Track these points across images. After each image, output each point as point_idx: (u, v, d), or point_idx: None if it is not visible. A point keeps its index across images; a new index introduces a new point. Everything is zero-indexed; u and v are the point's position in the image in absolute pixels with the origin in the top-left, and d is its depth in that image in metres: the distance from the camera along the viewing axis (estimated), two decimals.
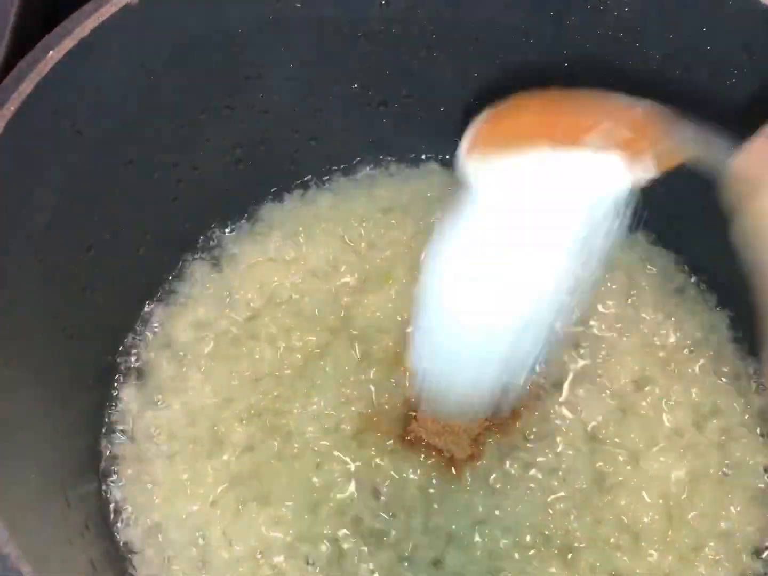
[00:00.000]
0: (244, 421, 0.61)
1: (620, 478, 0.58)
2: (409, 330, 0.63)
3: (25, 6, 0.73)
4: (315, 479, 0.59)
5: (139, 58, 0.55)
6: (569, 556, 0.55)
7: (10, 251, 0.49)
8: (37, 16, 0.77)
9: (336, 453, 0.60)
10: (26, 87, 0.49)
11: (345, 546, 0.57)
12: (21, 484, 0.44)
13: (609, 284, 0.64)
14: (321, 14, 0.60)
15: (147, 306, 0.64)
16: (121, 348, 0.62)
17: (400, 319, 0.64)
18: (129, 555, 0.56)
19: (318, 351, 0.63)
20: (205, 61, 0.58)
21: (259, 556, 0.56)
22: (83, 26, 0.52)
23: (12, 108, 0.48)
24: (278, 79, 0.63)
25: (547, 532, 0.56)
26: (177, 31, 0.56)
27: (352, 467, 0.59)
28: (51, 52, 0.50)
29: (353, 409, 0.61)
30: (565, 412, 0.59)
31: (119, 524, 0.57)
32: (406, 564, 0.56)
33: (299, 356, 0.63)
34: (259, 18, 0.58)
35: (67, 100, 0.51)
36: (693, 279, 0.66)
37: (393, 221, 0.69)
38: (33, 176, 0.51)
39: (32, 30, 0.75)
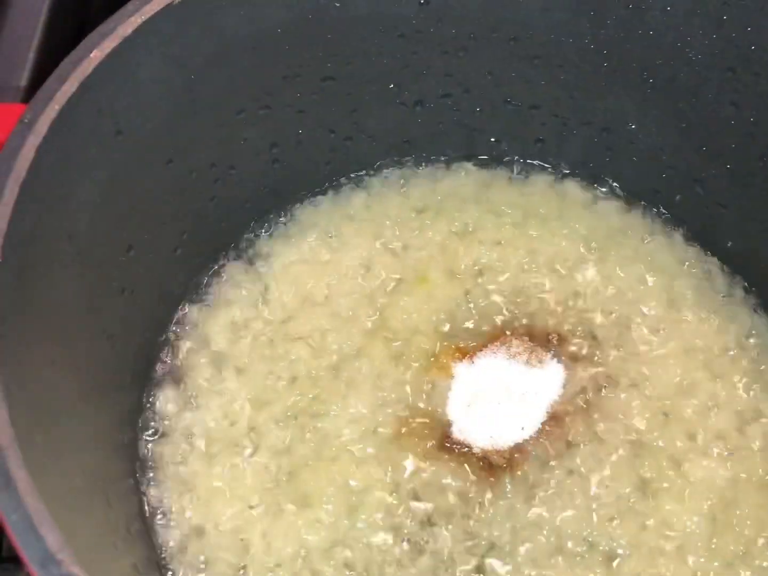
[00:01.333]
0: (281, 423, 0.60)
1: (664, 484, 0.57)
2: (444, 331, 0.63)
3: (52, 18, 0.74)
4: (353, 482, 0.58)
5: (179, 58, 0.55)
6: (614, 563, 0.55)
7: (52, 251, 0.49)
8: (68, 15, 0.78)
9: (374, 456, 0.59)
10: (70, 86, 0.49)
11: (384, 551, 0.56)
12: (67, 487, 0.44)
13: (650, 286, 0.64)
14: (358, 13, 0.60)
15: (184, 307, 0.64)
16: (158, 349, 0.62)
17: (435, 319, 0.64)
18: (169, 558, 0.55)
19: (354, 352, 0.63)
20: (243, 60, 0.58)
21: (298, 560, 0.56)
22: (126, 25, 0.52)
23: (56, 107, 0.48)
24: (315, 79, 0.62)
25: (590, 539, 0.55)
26: (216, 30, 0.55)
27: (391, 471, 0.58)
28: (94, 51, 0.50)
29: (390, 411, 0.60)
30: (608, 417, 0.59)
31: (159, 526, 0.56)
32: (448, 570, 0.55)
33: (335, 357, 0.63)
34: (297, 17, 0.58)
35: (109, 99, 0.51)
36: (735, 280, 0.65)
37: (427, 221, 0.68)
38: (75, 176, 0.51)
39: (64, 30, 0.76)
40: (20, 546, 0.36)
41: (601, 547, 0.55)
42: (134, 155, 0.54)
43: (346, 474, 0.58)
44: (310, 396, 0.61)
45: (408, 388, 0.62)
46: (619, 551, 0.55)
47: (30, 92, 0.73)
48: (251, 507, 0.57)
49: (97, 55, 0.50)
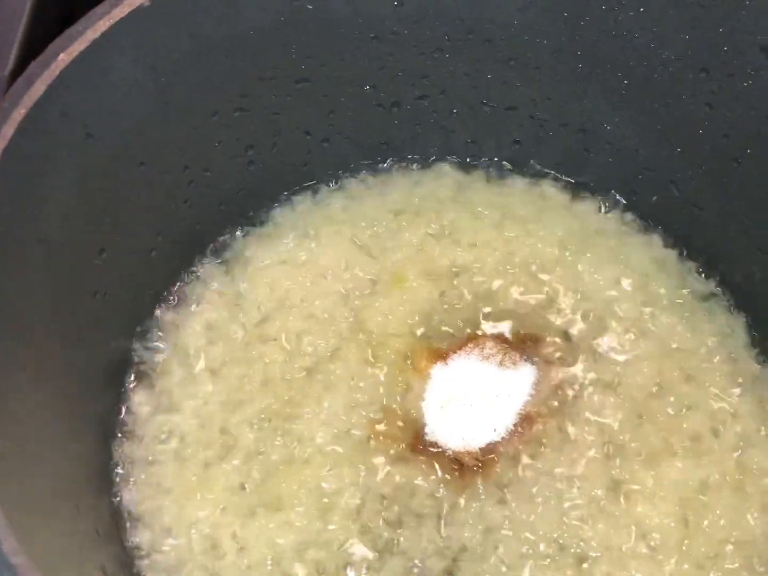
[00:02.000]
0: (254, 426, 0.60)
1: (636, 486, 0.57)
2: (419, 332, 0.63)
3: (38, 6, 0.74)
4: (325, 485, 0.58)
5: (150, 60, 0.54)
6: (584, 565, 0.55)
7: (22, 255, 0.49)
8: (51, 16, 0.78)
9: (346, 458, 0.59)
10: (37, 89, 0.49)
11: (355, 553, 0.56)
12: (31, 491, 0.44)
13: (626, 287, 0.64)
14: (333, 15, 0.60)
15: (158, 309, 0.64)
16: (131, 352, 0.62)
17: (411, 322, 0.64)
18: (139, 560, 0.55)
19: (329, 354, 0.63)
20: (217, 62, 0.58)
21: (269, 563, 0.56)
22: (95, 28, 0.51)
23: (23, 111, 0.48)
24: (290, 81, 0.62)
25: (561, 541, 0.55)
26: (189, 33, 0.55)
27: (363, 473, 0.58)
28: (62, 54, 0.50)
29: (363, 413, 0.61)
30: (581, 418, 0.59)
31: (130, 528, 0.56)
32: (418, 573, 0.55)
33: (310, 360, 0.63)
34: (271, 19, 0.58)
35: (78, 102, 0.51)
36: (710, 281, 0.65)
37: (404, 223, 0.68)
38: (45, 179, 0.50)
39: (47, 30, 0.76)
40: None
41: (572, 549, 0.55)
42: (105, 158, 0.54)
43: (318, 476, 0.58)
44: (285, 398, 0.61)
45: (382, 390, 0.62)
46: (591, 553, 0.55)
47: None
48: (223, 509, 0.58)
49: (64, 58, 0.50)
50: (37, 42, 0.71)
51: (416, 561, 0.56)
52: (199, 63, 0.57)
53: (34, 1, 0.73)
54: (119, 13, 0.52)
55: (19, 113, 0.48)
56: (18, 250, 0.49)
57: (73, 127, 0.51)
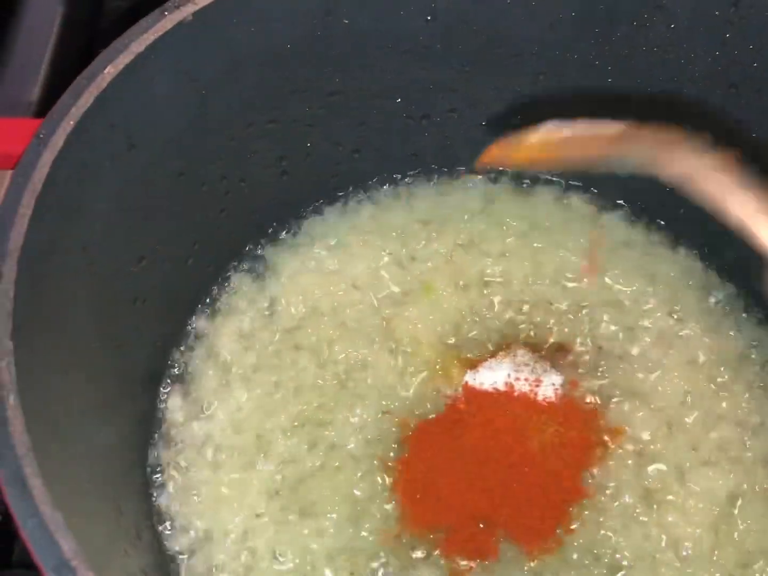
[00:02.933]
0: (287, 432, 0.61)
1: (668, 495, 0.57)
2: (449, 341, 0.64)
3: (62, 36, 0.75)
4: (357, 492, 0.59)
5: (191, 73, 0.56)
6: (618, 574, 0.55)
7: (66, 263, 0.50)
8: (79, 32, 0.80)
9: (378, 465, 0.60)
10: (85, 101, 0.50)
11: (389, 561, 0.57)
12: (80, 495, 0.45)
13: (653, 298, 0.65)
14: (366, 30, 0.61)
15: (193, 317, 0.65)
16: (167, 358, 0.63)
17: (441, 330, 0.65)
18: (176, 564, 0.56)
19: (360, 362, 0.64)
20: (253, 75, 0.59)
21: (303, 569, 0.57)
22: (139, 41, 0.53)
23: (71, 122, 0.49)
24: (323, 93, 0.63)
25: (595, 551, 0.56)
26: (227, 46, 0.57)
27: (394, 480, 0.59)
28: (108, 67, 0.51)
29: (395, 420, 0.61)
30: (611, 427, 0.60)
31: (167, 533, 0.57)
32: None
33: (341, 367, 0.64)
34: (306, 34, 0.59)
35: (122, 113, 0.52)
36: (738, 293, 0.66)
37: (433, 233, 0.69)
38: (89, 189, 0.52)
39: (75, 46, 0.77)
40: (35, 552, 0.37)
41: (605, 559, 0.56)
42: (146, 169, 0.55)
43: (350, 483, 0.59)
44: (316, 405, 0.62)
45: (413, 398, 0.62)
46: (624, 563, 0.56)
47: (41, 107, 0.74)
48: (258, 515, 0.58)
49: (111, 71, 0.51)
50: (62, 70, 0.74)
51: (444, 568, 0.56)
52: (236, 75, 0.58)
53: (58, 31, 0.75)
54: (162, 27, 0.53)
55: (69, 124, 0.49)
56: (62, 257, 0.50)
57: (118, 138, 0.53)
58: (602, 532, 0.56)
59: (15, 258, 0.45)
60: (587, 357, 0.63)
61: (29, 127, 0.50)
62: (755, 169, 0.59)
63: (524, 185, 0.71)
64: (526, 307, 0.65)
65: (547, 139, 0.53)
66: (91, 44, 0.80)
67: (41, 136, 0.49)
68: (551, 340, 0.64)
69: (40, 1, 0.78)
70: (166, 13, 0.53)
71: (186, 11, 0.53)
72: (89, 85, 0.50)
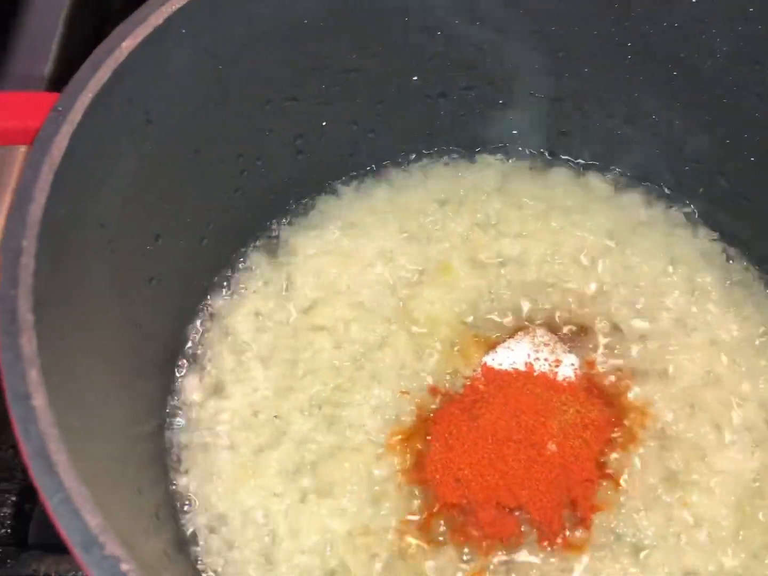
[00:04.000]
0: (305, 412, 0.60)
1: (692, 476, 0.57)
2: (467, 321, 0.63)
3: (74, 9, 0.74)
4: (376, 471, 0.59)
5: (208, 48, 0.55)
6: (641, 555, 0.55)
7: (85, 239, 0.49)
8: (90, 5, 0.79)
9: (397, 445, 0.59)
10: (103, 74, 0.49)
11: (408, 540, 0.57)
12: (103, 472, 0.44)
13: (674, 278, 0.64)
14: (386, 5, 0.60)
15: (209, 296, 0.64)
16: (183, 338, 0.63)
17: (458, 310, 0.64)
18: (194, 544, 0.56)
19: (377, 343, 0.63)
20: (271, 51, 0.58)
21: (322, 548, 0.56)
22: (157, 14, 0.52)
23: (90, 95, 0.48)
24: (341, 71, 0.62)
25: (618, 531, 0.56)
26: (246, 20, 0.56)
27: (413, 460, 0.59)
28: (127, 40, 0.50)
29: (414, 400, 0.61)
30: (633, 407, 0.59)
31: (185, 513, 0.57)
32: (472, 558, 0.56)
33: (358, 347, 0.63)
34: (326, 8, 0.58)
35: (140, 88, 0.51)
36: (759, 272, 0.65)
37: (449, 213, 0.69)
38: (107, 164, 0.51)
39: (87, 20, 0.77)
40: (62, 528, 0.37)
41: (628, 539, 0.56)
42: (163, 145, 0.54)
43: (369, 463, 0.59)
44: (333, 385, 0.62)
45: (430, 378, 0.62)
46: (647, 543, 0.55)
47: (54, 81, 0.73)
48: (276, 495, 0.58)
49: (129, 44, 0.50)
50: (74, 44, 0.73)
51: (467, 549, 0.56)
52: (254, 51, 0.57)
53: (70, 5, 0.74)
54: None
55: (87, 97, 0.48)
56: (81, 233, 0.49)
57: (135, 113, 0.52)
58: (624, 512, 0.56)
59: (35, 232, 0.44)
60: (607, 337, 0.63)
61: (45, 101, 0.49)
62: None
63: (541, 164, 0.70)
64: (544, 287, 0.65)
65: None
66: (104, 18, 0.79)
67: (60, 109, 0.48)
68: (570, 320, 0.63)
69: None
70: None
71: None
72: (107, 58, 0.49)
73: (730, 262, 0.66)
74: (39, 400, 0.40)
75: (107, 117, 0.49)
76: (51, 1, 0.72)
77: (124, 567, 0.36)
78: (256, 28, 0.56)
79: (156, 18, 0.52)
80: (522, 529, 0.56)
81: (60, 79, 0.50)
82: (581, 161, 0.70)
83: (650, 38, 0.62)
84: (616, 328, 0.63)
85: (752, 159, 0.62)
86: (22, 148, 0.51)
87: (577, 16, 0.62)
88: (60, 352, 0.44)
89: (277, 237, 0.67)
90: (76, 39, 0.71)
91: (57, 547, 0.54)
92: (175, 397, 0.61)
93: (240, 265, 0.66)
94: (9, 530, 0.62)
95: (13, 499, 0.63)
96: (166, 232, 0.57)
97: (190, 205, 0.59)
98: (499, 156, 0.70)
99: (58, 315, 0.45)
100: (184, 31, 0.52)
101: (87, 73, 0.49)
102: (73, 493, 0.37)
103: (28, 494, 0.63)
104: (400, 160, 0.71)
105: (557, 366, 0.61)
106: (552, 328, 0.63)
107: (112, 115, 0.50)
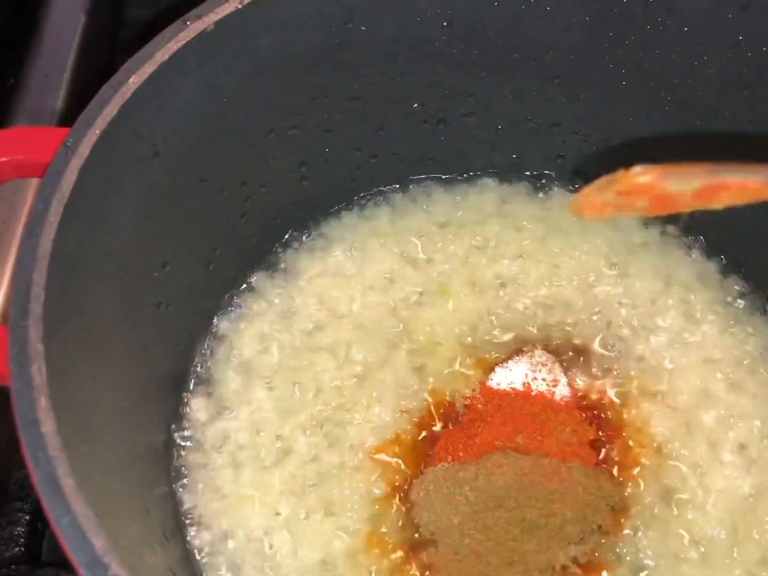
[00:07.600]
0: (307, 432, 0.62)
1: (687, 494, 0.58)
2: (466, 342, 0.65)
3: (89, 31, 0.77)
4: (376, 490, 0.60)
5: (212, 81, 0.57)
6: (641, 574, 0.56)
7: (93, 268, 0.51)
8: (100, 41, 0.81)
9: (397, 464, 0.61)
10: (110, 110, 0.51)
11: (408, 559, 0.58)
12: (110, 494, 0.46)
13: (669, 299, 0.65)
14: (384, 36, 0.62)
15: (215, 319, 0.66)
16: (191, 360, 0.64)
17: (458, 332, 0.66)
18: (201, 562, 0.57)
19: (377, 363, 0.65)
20: (273, 83, 0.60)
21: (324, 566, 0.58)
22: (163, 51, 0.54)
23: (98, 131, 0.51)
24: (342, 99, 0.64)
25: (617, 550, 0.57)
26: (248, 54, 0.58)
27: (414, 478, 0.60)
28: (133, 76, 0.53)
29: (413, 420, 0.62)
30: (630, 426, 0.60)
31: (192, 531, 0.58)
32: None
33: (359, 368, 0.65)
34: (325, 41, 0.60)
35: (147, 122, 0.53)
36: (753, 293, 0.66)
37: (449, 236, 0.70)
38: (115, 195, 0.53)
39: (97, 55, 0.79)
40: (69, 550, 0.38)
41: (628, 558, 0.57)
42: (169, 175, 0.57)
43: (369, 482, 0.60)
44: (335, 405, 0.63)
45: (430, 399, 0.63)
46: (646, 561, 0.56)
47: (64, 116, 0.76)
48: (278, 514, 0.59)
49: (136, 80, 0.52)
50: (85, 79, 0.75)
51: None
52: (256, 83, 0.59)
53: (80, 41, 0.77)
54: (185, 36, 0.55)
55: (95, 133, 0.50)
56: (89, 263, 0.51)
57: (142, 145, 0.54)
58: (624, 531, 0.57)
59: (45, 264, 0.46)
60: (604, 357, 0.64)
61: (56, 135, 0.51)
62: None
63: (539, 188, 0.72)
64: (542, 308, 0.66)
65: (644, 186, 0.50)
66: (113, 54, 0.82)
67: (68, 144, 0.50)
68: (568, 340, 0.65)
69: (62, 12, 0.79)
70: (188, 22, 0.54)
71: (208, 21, 0.55)
72: (115, 95, 0.52)
73: (725, 282, 0.67)
74: (48, 426, 0.41)
75: (114, 150, 0.52)
76: (61, 37, 0.74)
77: None
78: (257, 61, 0.58)
79: (162, 54, 0.54)
80: None
81: (71, 114, 0.52)
82: (578, 184, 0.71)
83: (644, 65, 0.64)
84: (613, 348, 0.64)
85: None
86: (35, 180, 0.53)
87: (573, 43, 0.64)
88: (69, 379, 0.46)
89: (282, 261, 0.69)
90: (85, 75, 0.74)
91: (69, 565, 0.55)
92: (183, 418, 0.63)
93: (246, 289, 0.68)
94: (23, 548, 0.64)
95: (27, 518, 0.65)
96: (173, 259, 0.59)
97: (197, 232, 0.61)
98: (497, 180, 0.72)
99: (68, 343, 0.47)
100: (188, 66, 0.54)
101: (95, 110, 0.51)
102: (80, 516, 0.39)
103: (42, 513, 0.65)
104: (402, 184, 0.72)
105: (555, 386, 0.62)
106: (550, 348, 0.64)
107: (120, 148, 0.52)
